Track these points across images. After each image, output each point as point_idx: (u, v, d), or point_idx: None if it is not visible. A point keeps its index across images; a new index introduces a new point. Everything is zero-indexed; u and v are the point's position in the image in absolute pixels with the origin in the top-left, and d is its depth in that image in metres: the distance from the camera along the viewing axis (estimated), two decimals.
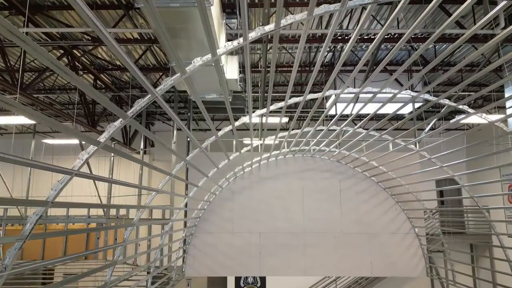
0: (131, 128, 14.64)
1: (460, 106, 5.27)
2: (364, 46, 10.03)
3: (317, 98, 4.92)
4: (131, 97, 13.91)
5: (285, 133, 7.16)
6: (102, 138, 2.79)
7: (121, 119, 2.80)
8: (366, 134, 6.88)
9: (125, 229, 6.32)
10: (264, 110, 5.21)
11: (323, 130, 6.89)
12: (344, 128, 8.02)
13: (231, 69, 6.28)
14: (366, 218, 9.27)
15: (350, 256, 9.06)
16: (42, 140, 13.82)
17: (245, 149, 6.40)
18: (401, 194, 9.10)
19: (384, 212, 9.29)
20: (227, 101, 4.05)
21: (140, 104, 2.83)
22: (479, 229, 14.85)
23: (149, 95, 2.79)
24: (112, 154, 12.39)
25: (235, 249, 9.10)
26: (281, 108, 5.11)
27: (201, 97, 6.82)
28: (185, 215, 9.26)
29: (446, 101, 5.42)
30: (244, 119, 5.69)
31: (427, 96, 5.59)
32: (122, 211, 11.66)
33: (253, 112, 5.29)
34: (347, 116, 11.52)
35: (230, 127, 5.24)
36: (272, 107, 5.39)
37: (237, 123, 5.54)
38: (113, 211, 11.88)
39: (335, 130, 7.44)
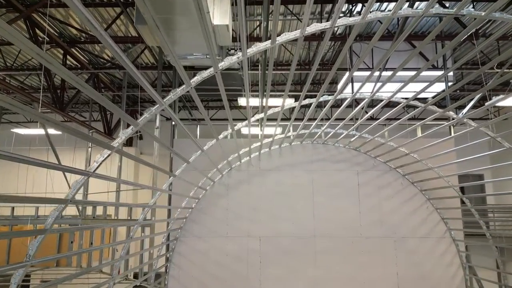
0: (113, 117, 12.94)
1: None
2: (386, 9, 8.29)
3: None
4: (113, 80, 12.23)
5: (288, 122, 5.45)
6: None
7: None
8: (389, 117, 5.16)
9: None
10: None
11: (337, 110, 5.16)
12: (364, 108, 6.38)
13: (220, 13, 4.57)
14: (391, 218, 7.55)
15: (372, 266, 7.35)
16: (12, 130, 12.13)
17: (239, 125, 4.68)
18: (434, 189, 7.38)
19: (412, 211, 7.57)
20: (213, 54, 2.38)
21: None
22: (506, 231, 13.27)
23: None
24: (90, 145, 10.70)
25: (229, 257, 7.40)
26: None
27: (182, 58, 5.13)
28: (169, 215, 7.57)
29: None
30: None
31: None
32: (99, 210, 9.96)
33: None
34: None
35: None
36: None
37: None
38: (89, 210, 10.20)
39: (352, 110, 5.75)
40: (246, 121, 4.61)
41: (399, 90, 4.82)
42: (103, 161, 2.92)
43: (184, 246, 7.47)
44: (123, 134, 2.97)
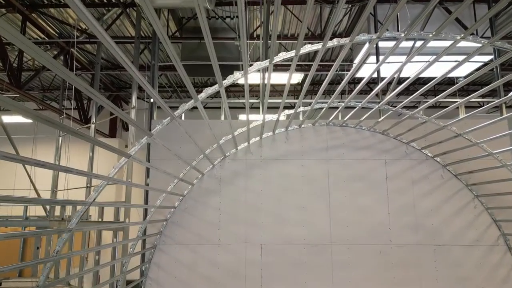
0: (90, 102, 11.28)
1: None
2: None
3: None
4: (93, 61, 10.57)
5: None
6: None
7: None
8: (422, 93, 3.53)
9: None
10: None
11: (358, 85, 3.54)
12: (395, 81, 4.82)
13: None
14: (428, 221, 5.91)
15: (405, 282, 5.70)
16: None
17: (230, 79, 2.98)
18: (486, 183, 5.73)
19: (456, 211, 5.93)
20: None
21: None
22: None
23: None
24: (60, 133, 9.05)
25: (222, 271, 5.76)
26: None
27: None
28: (145, 217, 5.93)
29: None
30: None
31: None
32: (68, 211, 8.31)
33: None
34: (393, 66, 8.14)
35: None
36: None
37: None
38: (57, 211, 8.56)
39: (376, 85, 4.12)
40: (240, 73, 2.97)
41: (435, 60, 3.28)
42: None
43: (164, 256, 5.83)
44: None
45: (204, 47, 7.85)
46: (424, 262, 5.79)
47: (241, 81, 8.34)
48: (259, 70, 3.13)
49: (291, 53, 2.95)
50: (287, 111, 4.96)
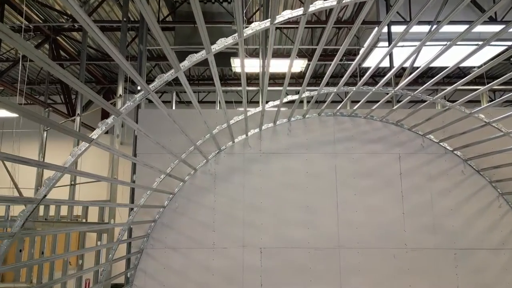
0: (78, 94, 10.64)
1: None
2: None
3: None
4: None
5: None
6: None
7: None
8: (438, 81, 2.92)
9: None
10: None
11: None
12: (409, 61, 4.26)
13: None
14: (448, 222, 5.28)
15: None
16: None
17: (221, 42, 2.35)
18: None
19: (479, 210, 5.30)
20: None
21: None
22: None
23: None
24: (44, 128, 8.42)
25: (217, 278, 5.13)
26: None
27: None
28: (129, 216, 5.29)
29: None
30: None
31: None
32: (51, 211, 7.67)
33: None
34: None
35: None
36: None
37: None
38: (41, 211, 7.93)
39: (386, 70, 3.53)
40: (234, 37, 2.34)
41: (453, 44, 2.73)
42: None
43: (152, 261, 5.20)
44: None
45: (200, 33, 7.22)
46: (444, 268, 5.16)
47: (236, 66, 7.69)
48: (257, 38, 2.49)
49: (298, 11, 2.32)
50: (290, 97, 4.34)
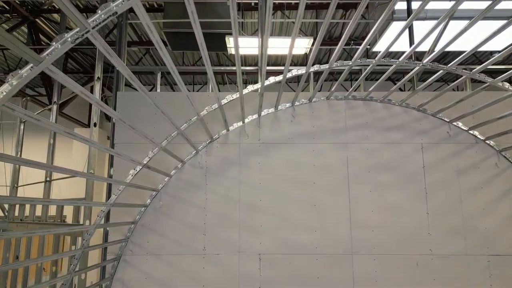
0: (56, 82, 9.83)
1: None
2: None
3: None
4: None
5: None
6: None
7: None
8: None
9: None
10: None
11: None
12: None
13: None
14: (480, 223, 4.49)
15: None
16: None
17: None
18: None
19: None
20: None
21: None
22: None
23: None
24: (21, 119, 7.62)
25: None
26: None
27: None
28: (106, 219, 4.50)
29: None
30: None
31: None
32: (27, 211, 6.88)
33: None
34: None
35: None
36: None
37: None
38: (16, 211, 7.14)
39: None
40: None
41: (479, 18, 2.07)
42: None
43: (131, 270, 4.41)
44: None
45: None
46: (475, 277, 4.37)
47: (231, 46, 6.95)
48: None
49: None
50: (295, 71, 3.54)
